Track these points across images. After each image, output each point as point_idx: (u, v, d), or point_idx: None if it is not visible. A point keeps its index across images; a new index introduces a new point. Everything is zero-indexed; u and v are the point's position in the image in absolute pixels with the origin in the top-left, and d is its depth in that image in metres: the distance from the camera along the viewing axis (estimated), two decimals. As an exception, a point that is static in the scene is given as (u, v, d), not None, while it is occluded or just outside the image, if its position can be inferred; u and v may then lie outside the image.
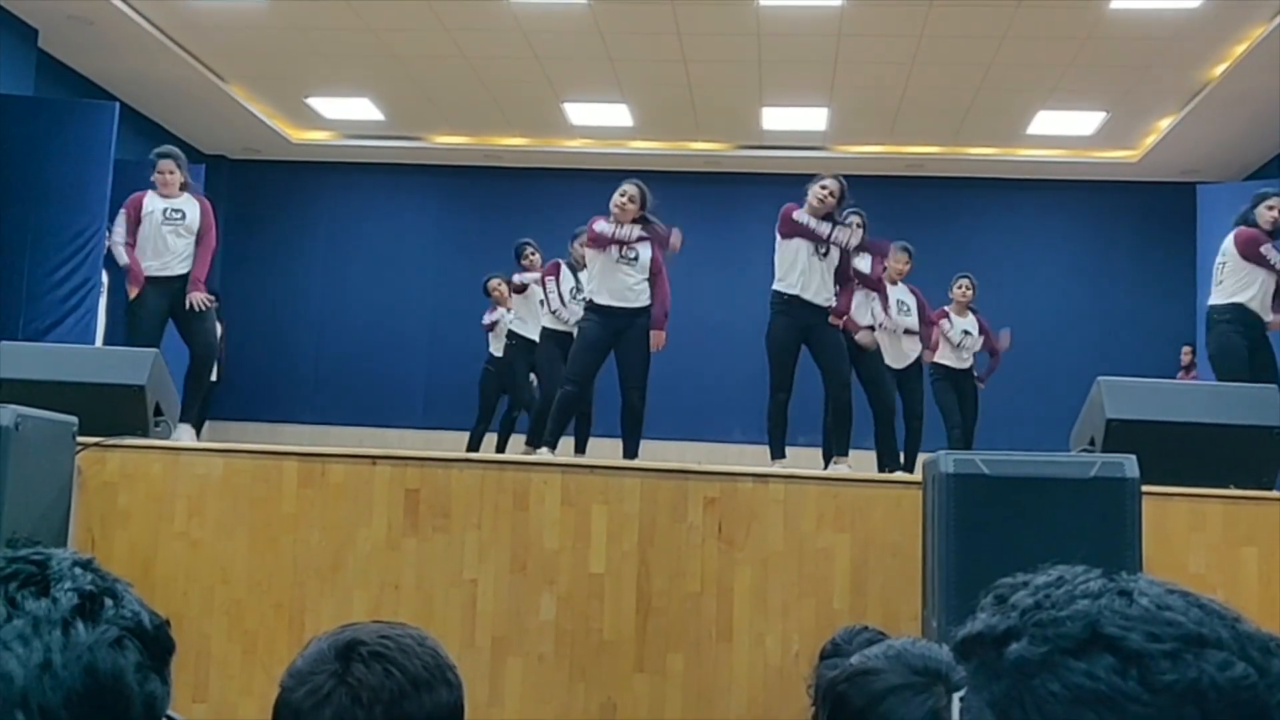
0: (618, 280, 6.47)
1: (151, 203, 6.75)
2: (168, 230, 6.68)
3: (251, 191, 13.35)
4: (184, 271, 6.68)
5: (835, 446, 6.62)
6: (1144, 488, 3.54)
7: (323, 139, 12.78)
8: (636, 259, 6.49)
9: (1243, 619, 0.78)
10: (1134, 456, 3.58)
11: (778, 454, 6.54)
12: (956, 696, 0.88)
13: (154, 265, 6.66)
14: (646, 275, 6.54)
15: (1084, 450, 4.97)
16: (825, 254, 6.46)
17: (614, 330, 6.49)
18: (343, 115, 12.01)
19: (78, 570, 0.94)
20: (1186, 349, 11.11)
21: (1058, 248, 12.70)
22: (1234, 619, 0.78)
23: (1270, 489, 4.74)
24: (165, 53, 10.10)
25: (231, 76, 11.02)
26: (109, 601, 0.93)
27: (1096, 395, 5.07)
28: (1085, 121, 11.13)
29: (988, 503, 3.50)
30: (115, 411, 5.18)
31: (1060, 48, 9.33)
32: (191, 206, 6.82)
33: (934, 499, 3.68)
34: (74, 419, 4.31)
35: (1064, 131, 11.41)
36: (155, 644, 0.94)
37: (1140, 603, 0.78)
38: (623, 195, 6.54)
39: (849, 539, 4.73)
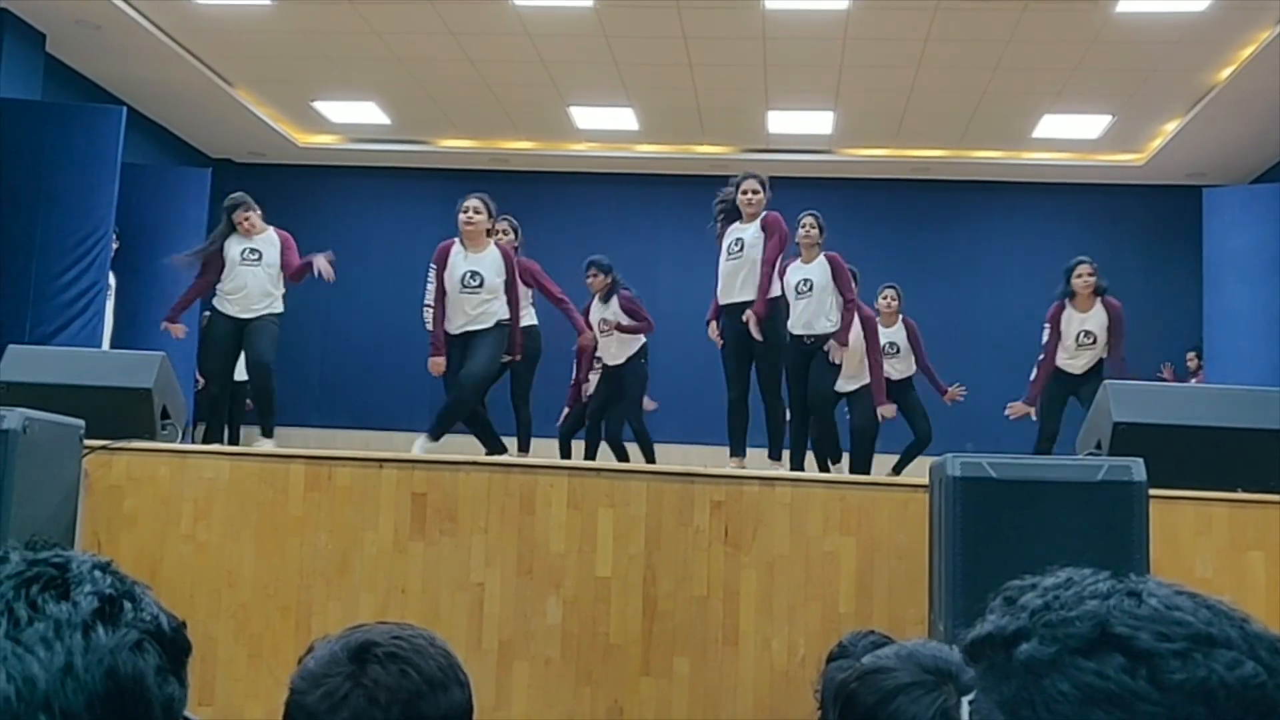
0: (460, 308, 6.68)
1: (230, 246, 7.12)
2: (245, 269, 7.02)
3: (257, 195, 13.25)
4: (256, 315, 6.98)
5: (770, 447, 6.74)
6: (1151, 491, 3.54)
7: (329, 143, 12.80)
8: (481, 285, 6.60)
9: (1251, 619, 0.79)
10: (1141, 460, 3.57)
11: (736, 451, 6.66)
12: (966, 700, 0.88)
13: (229, 303, 7.03)
14: (493, 297, 6.64)
15: (1091, 454, 4.96)
16: (739, 252, 6.61)
17: (459, 356, 6.72)
18: (349, 119, 12.03)
19: (97, 573, 0.94)
20: (1191, 355, 11.07)
21: (1063, 251, 12.55)
22: (1242, 619, 0.78)
23: (1277, 492, 4.73)
24: (172, 57, 10.12)
25: (238, 80, 11.04)
26: (128, 605, 0.93)
27: (1103, 398, 5.06)
28: (1091, 125, 11.12)
29: (995, 506, 3.50)
30: (122, 415, 5.20)
31: (1066, 51, 9.33)
32: (270, 246, 7.16)
33: (941, 502, 3.68)
34: (81, 422, 4.31)
35: (1070, 135, 11.40)
36: (174, 646, 0.95)
37: (1149, 603, 0.79)
38: (465, 211, 6.64)
39: (855, 542, 4.73)
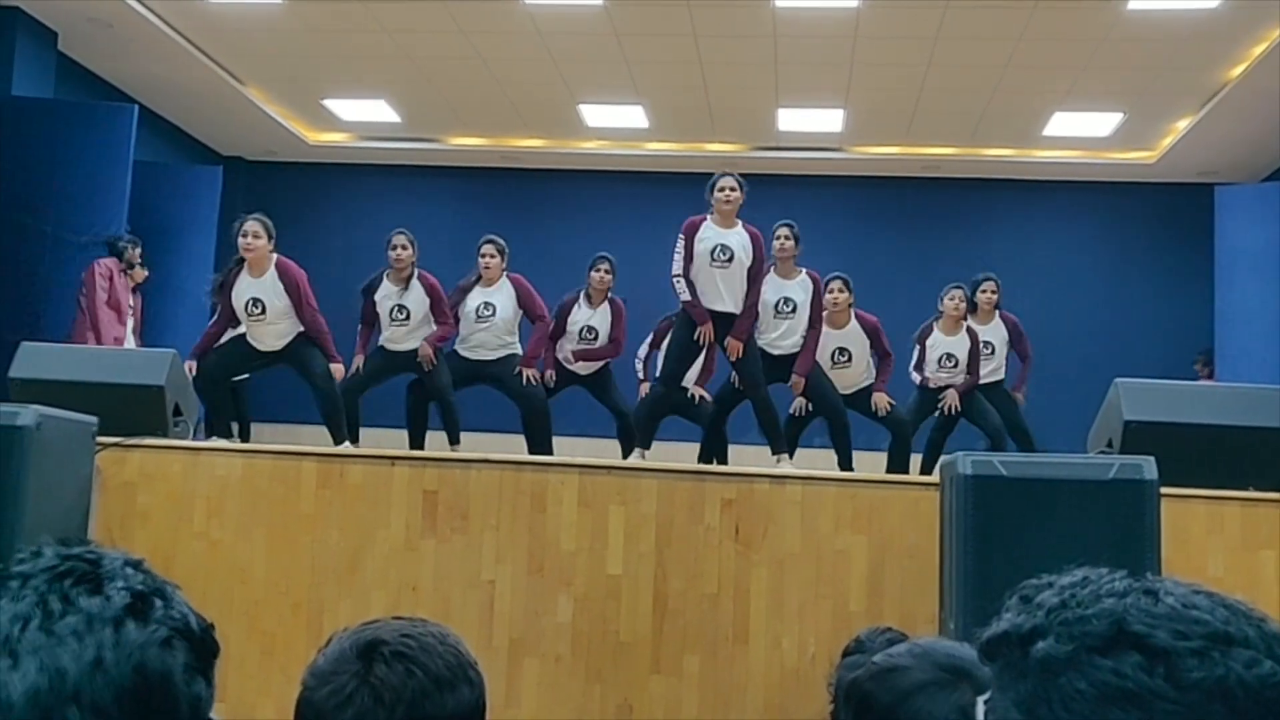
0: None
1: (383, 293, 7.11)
2: (395, 325, 7.08)
3: (268, 193, 13.35)
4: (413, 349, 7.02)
5: (772, 446, 6.55)
6: (1162, 490, 3.53)
7: (339, 141, 12.82)
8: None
9: (1269, 619, 0.79)
10: (1152, 458, 3.57)
11: (643, 444, 6.61)
12: (981, 700, 0.88)
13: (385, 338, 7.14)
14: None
15: (1102, 452, 4.95)
16: (729, 261, 6.35)
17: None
18: (359, 117, 12.04)
19: (129, 570, 0.95)
20: (1201, 362, 10.93)
21: (1074, 249, 12.65)
22: (1260, 619, 0.78)
23: (1289, 491, 4.71)
24: (183, 55, 10.14)
25: (249, 79, 11.06)
26: (159, 602, 0.94)
27: (1114, 397, 5.06)
28: (1102, 123, 11.09)
29: (1005, 504, 3.50)
30: (135, 412, 5.21)
31: (1077, 49, 9.30)
32: (415, 294, 7.05)
33: (952, 501, 3.68)
34: (94, 419, 4.33)
35: (1081, 133, 11.37)
36: (202, 646, 0.96)
37: (1166, 601, 0.78)
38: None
39: (866, 540, 4.72)
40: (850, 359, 7.05)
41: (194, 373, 6.31)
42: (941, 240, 12.41)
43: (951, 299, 7.58)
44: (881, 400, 7.02)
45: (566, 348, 7.36)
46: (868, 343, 7.12)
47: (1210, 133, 10.84)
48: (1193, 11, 8.53)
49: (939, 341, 7.51)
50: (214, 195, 11.11)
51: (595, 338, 7.32)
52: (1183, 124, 10.93)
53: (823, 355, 6.92)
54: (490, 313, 7.12)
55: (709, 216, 6.49)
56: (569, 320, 7.37)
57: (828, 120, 11.31)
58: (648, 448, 6.59)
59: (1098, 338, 12.21)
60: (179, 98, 11.32)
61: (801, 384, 6.67)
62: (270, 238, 6.57)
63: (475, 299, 7.17)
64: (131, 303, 8.91)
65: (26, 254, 8.81)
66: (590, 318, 7.35)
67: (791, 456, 6.85)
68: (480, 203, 12.98)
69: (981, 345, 7.57)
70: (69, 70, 10.06)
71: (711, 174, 6.78)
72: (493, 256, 7.25)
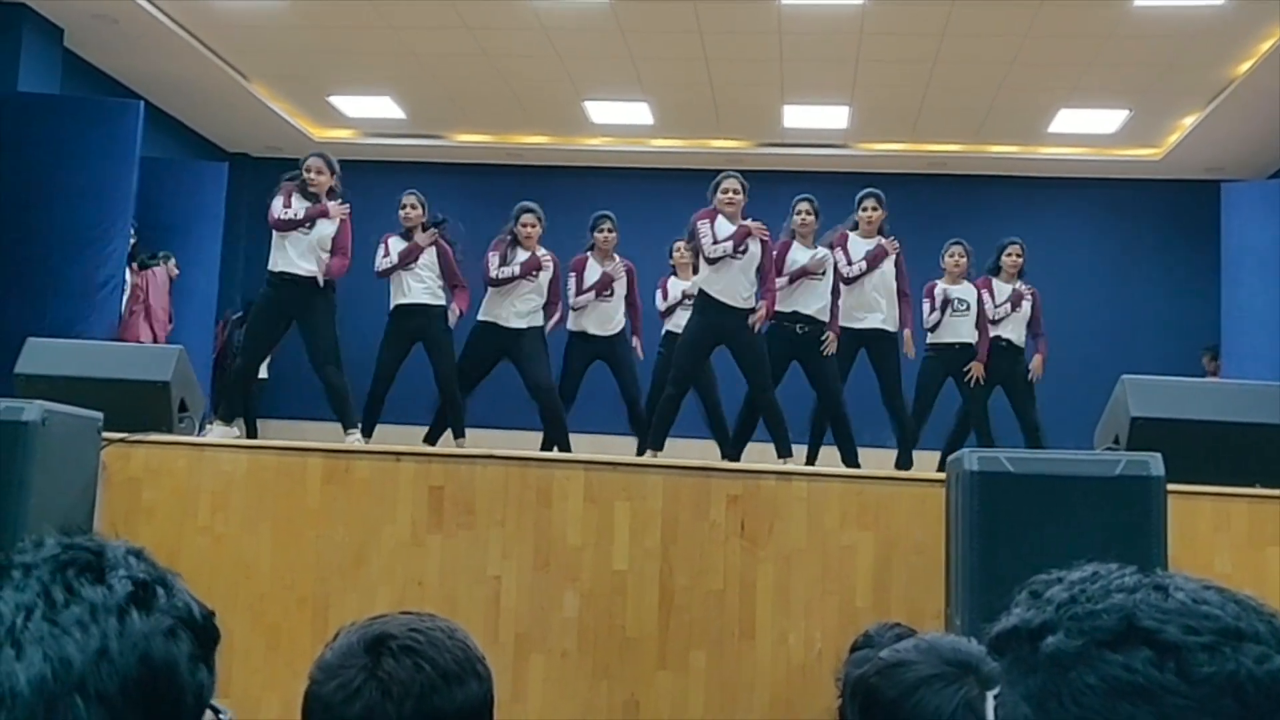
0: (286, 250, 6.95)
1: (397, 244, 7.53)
2: (407, 275, 7.45)
3: (274, 189, 13.37)
4: (428, 303, 7.35)
5: (778, 449, 6.54)
6: (1169, 487, 3.53)
7: (344, 137, 12.82)
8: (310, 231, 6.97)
9: (1279, 615, 0.79)
10: (1159, 455, 3.56)
11: (656, 445, 6.62)
12: (991, 694, 0.88)
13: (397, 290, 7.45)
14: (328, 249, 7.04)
15: (1108, 449, 4.94)
16: (743, 252, 6.44)
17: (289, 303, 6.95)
18: (364, 114, 12.04)
19: (132, 559, 0.95)
20: (1208, 356, 10.93)
21: (1080, 246, 12.63)
22: (1271, 614, 0.78)
23: (1296, 488, 4.70)
24: (189, 51, 10.15)
25: (254, 75, 11.07)
26: (161, 591, 0.94)
27: (1121, 394, 5.05)
28: (1108, 119, 11.07)
29: (1012, 501, 3.49)
30: (140, 407, 5.22)
31: (1083, 45, 9.29)
32: (428, 254, 7.46)
33: (958, 497, 3.67)
34: (99, 415, 4.32)
35: (1086, 130, 11.35)
36: (204, 634, 0.96)
37: (1176, 597, 0.78)
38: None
39: (872, 537, 4.72)
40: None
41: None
42: (946, 237, 12.35)
43: (951, 255, 7.75)
44: (908, 342, 7.17)
45: (583, 319, 7.37)
46: (897, 248, 7.21)
47: (1216, 129, 10.82)
48: (1199, 8, 8.52)
49: (944, 291, 7.62)
50: (219, 191, 11.12)
51: (610, 293, 7.37)
52: (1189, 121, 10.91)
53: (854, 258, 7.10)
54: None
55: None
56: (584, 279, 7.43)
57: (833, 117, 11.30)
58: (660, 448, 6.59)
59: (1103, 334, 12.19)
60: (185, 94, 11.33)
61: (834, 341, 6.79)
62: (333, 173, 7.20)
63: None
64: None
65: (32, 250, 8.82)
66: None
67: (814, 461, 6.86)
68: (485, 199, 12.92)
69: (1009, 298, 7.64)
70: (75, 66, 10.07)
71: (717, 170, 6.80)
72: (533, 226, 7.30)
